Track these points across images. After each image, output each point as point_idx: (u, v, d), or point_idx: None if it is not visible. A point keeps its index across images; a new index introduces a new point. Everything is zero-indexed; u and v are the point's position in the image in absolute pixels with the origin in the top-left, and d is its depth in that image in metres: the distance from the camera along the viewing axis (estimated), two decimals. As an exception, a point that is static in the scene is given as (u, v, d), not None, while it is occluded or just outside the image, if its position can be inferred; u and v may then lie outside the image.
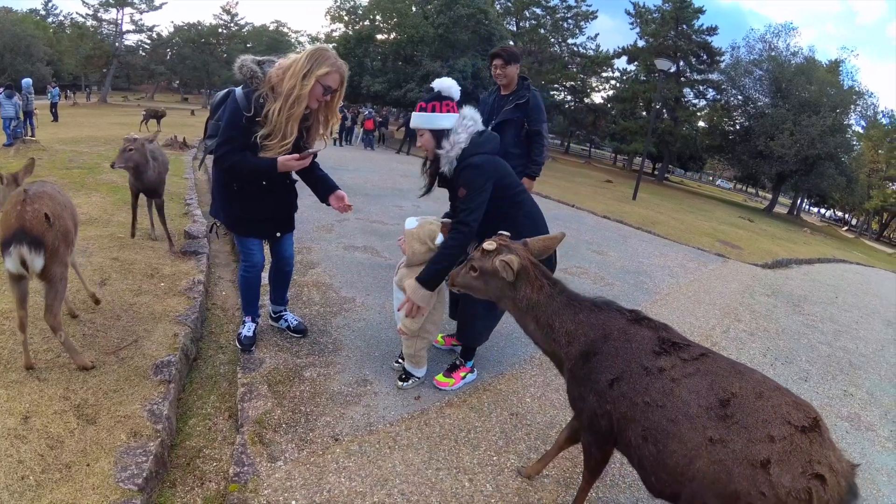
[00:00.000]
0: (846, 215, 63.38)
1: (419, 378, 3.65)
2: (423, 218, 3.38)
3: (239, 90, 3.14)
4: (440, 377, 3.69)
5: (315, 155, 3.33)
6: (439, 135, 3.20)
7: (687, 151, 44.04)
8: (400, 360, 3.75)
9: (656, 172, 46.55)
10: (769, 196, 48.28)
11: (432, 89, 3.26)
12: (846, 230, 50.63)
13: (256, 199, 3.36)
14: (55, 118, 24.70)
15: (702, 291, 7.51)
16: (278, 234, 3.61)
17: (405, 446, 3.03)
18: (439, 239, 3.20)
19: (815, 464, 1.69)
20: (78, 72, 55.44)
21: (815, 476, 1.67)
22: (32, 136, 14.70)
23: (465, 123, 3.20)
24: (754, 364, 5.11)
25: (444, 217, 3.55)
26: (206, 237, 5.47)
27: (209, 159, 3.44)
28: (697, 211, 22.90)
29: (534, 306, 2.38)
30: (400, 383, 3.59)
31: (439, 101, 3.20)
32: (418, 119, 3.25)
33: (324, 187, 3.54)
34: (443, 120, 3.18)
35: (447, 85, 3.24)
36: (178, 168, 10.96)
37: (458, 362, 3.79)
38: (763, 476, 1.69)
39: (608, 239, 10.34)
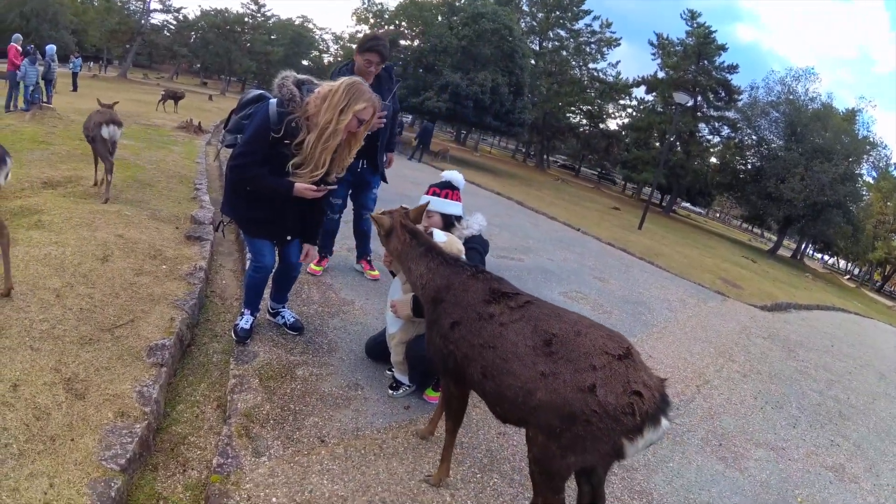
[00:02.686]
0: (849, 264, 63.33)
1: (409, 387, 3.66)
2: (449, 236, 3.45)
3: (273, 105, 3.16)
4: (429, 391, 3.71)
5: (330, 192, 3.43)
6: (447, 218, 3.71)
7: (697, 186, 43.87)
8: (391, 370, 3.76)
9: (664, 204, 46.50)
10: (774, 238, 48.23)
11: (442, 179, 3.84)
12: (848, 279, 50.52)
13: (269, 201, 3.38)
14: (75, 88, 24.79)
15: (699, 328, 7.51)
16: (289, 238, 3.62)
17: (390, 454, 3.02)
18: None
19: (633, 383, 2.05)
20: (101, 44, 55.45)
21: (634, 393, 2.03)
22: (48, 103, 14.71)
23: (478, 219, 3.78)
24: (744, 405, 5.15)
25: None
26: (213, 232, 5.44)
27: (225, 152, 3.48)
28: (702, 246, 22.84)
29: (399, 255, 2.94)
30: (391, 392, 3.60)
31: (451, 190, 3.76)
32: (434, 203, 3.69)
33: (309, 228, 3.67)
34: (452, 207, 3.74)
35: (457, 178, 3.86)
36: (190, 151, 11.00)
37: None
38: (592, 398, 2.03)
39: (610, 267, 10.36)
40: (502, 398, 2.30)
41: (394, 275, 3.66)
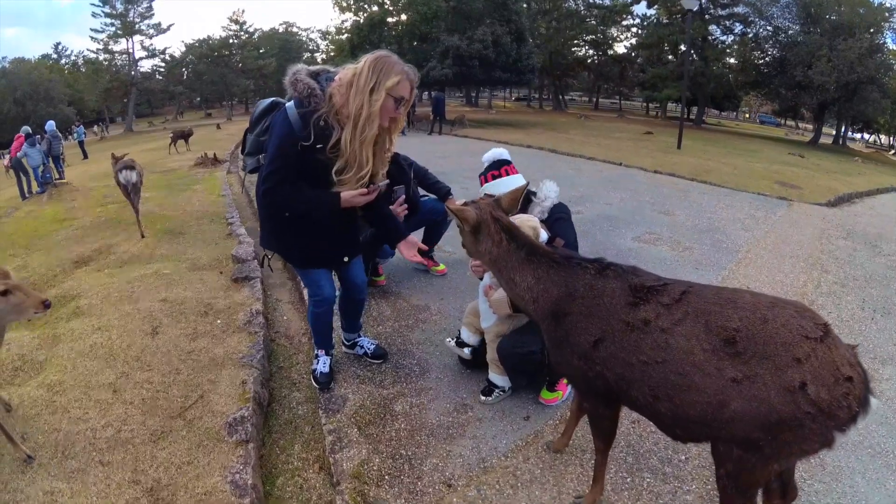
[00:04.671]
0: (891, 139, 60.20)
1: (504, 390, 3.21)
2: (515, 217, 2.89)
3: (292, 108, 2.58)
4: (545, 393, 3.25)
5: (384, 189, 2.86)
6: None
7: (721, 91, 42.23)
8: (451, 339, 3.49)
9: (692, 117, 44.80)
10: (809, 127, 46.22)
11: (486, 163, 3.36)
12: (893, 154, 47.80)
13: (315, 225, 2.84)
14: (85, 156, 24.86)
15: (780, 243, 7.05)
16: (346, 259, 3.08)
17: (528, 482, 2.58)
18: (544, 235, 2.83)
19: (842, 367, 1.68)
20: (100, 106, 56.16)
21: (846, 379, 1.67)
22: (61, 178, 14.60)
23: (552, 186, 3.31)
24: (855, 319, 4.72)
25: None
26: (260, 269, 5.00)
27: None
28: (745, 152, 21.88)
29: (495, 260, 2.34)
30: (483, 398, 3.19)
31: (507, 166, 3.28)
32: (501, 185, 3.17)
33: (391, 230, 3.05)
34: (518, 180, 3.22)
35: (501, 151, 3.38)
36: (213, 186, 10.67)
37: None
38: (804, 398, 1.65)
39: (668, 196, 9.80)
40: (683, 418, 1.87)
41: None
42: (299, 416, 3.17)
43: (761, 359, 1.71)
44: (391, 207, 4.07)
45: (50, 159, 14.48)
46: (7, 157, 16.59)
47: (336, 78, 2.60)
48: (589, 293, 2.09)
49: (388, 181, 2.87)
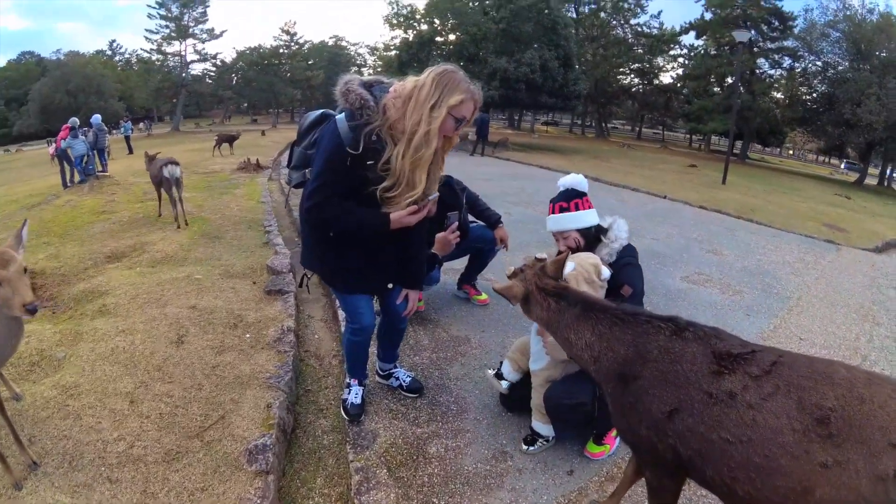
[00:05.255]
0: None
1: (548, 440, 2.95)
2: (574, 256, 2.66)
3: (342, 120, 2.37)
4: (591, 446, 2.96)
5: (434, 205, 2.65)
6: (586, 232, 3.01)
7: (767, 126, 41.44)
8: (492, 370, 3.23)
9: (736, 151, 44.03)
10: (854, 166, 45.02)
11: (560, 189, 3.15)
12: (938, 198, 46.28)
13: (361, 245, 2.62)
14: (130, 150, 25.29)
15: (831, 291, 6.70)
16: (390, 287, 2.85)
17: (572, 546, 2.29)
18: (606, 273, 2.61)
19: None
20: (149, 104, 57.50)
21: None
22: (104, 171, 14.78)
23: (622, 225, 3.07)
24: None
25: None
26: (296, 288, 4.80)
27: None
28: (790, 190, 21.44)
29: (548, 324, 2.25)
30: (525, 447, 2.92)
31: (580, 199, 3.04)
32: (563, 221, 3.03)
33: (409, 272, 2.88)
34: (589, 216, 3.02)
35: (578, 180, 3.14)
36: (253, 192, 10.62)
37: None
38: (894, 485, 1.49)
39: (715, 234, 9.46)
40: (762, 502, 1.66)
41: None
42: (324, 447, 2.95)
43: (855, 443, 1.54)
44: (443, 234, 3.87)
45: (95, 152, 14.66)
46: (53, 145, 16.92)
47: (391, 90, 2.39)
48: (664, 356, 1.88)
49: (437, 194, 2.63)
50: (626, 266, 2.87)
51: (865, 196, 26.01)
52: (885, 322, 5.72)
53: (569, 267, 2.47)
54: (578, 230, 2.98)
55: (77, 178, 13.35)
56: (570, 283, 2.40)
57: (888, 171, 42.86)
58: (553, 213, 3.06)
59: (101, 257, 5.79)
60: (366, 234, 2.54)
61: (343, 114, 2.39)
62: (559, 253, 2.49)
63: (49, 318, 4.08)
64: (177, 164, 7.75)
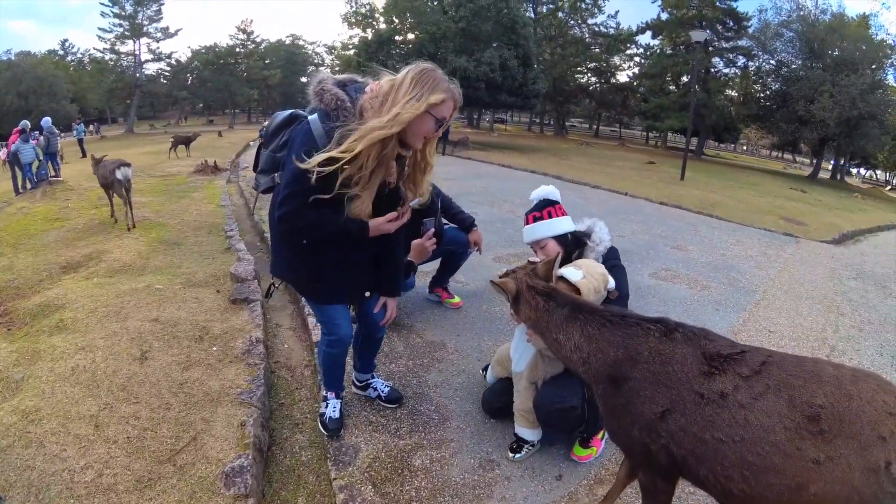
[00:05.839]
0: (888, 174, 60.61)
1: (533, 445, 2.90)
2: (582, 263, 2.63)
3: (316, 122, 2.23)
4: (578, 450, 2.93)
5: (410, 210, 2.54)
6: (562, 239, 2.99)
7: (722, 123, 42.45)
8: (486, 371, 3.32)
9: (692, 148, 44.97)
10: (806, 161, 46.39)
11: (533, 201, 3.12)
12: (889, 190, 47.94)
13: (337, 253, 2.48)
14: (83, 154, 24.44)
15: (795, 283, 6.92)
16: (367, 295, 2.73)
17: (565, 556, 2.24)
18: (612, 283, 2.58)
19: None
20: (102, 105, 55.85)
21: None
22: (57, 176, 14.23)
23: (602, 227, 3.06)
24: (875, 367, 4.53)
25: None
26: (262, 298, 4.59)
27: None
28: (747, 185, 21.99)
29: (535, 324, 2.24)
30: (511, 455, 2.87)
31: (552, 207, 3.03)
32: (538, 230, 3.00)
33: (386, 276, 2.76)
34: (563, 224, 3.01)
35: (549, 190, 3.14)
36: (212, 195, 10.34)
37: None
38: (887, 478, 1.55)
39: (678, 230, 9.65)
40: (760, 499, 1.69)
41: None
42: (303, 464, 2.83)
43: (846, 438, 1.60)
44: (420, 241, 3.78)
45: (47, 156, 14.11)
46: (4, 150, 16.22)
47: (367, 89, 2.25)
48: (655, 358, 1.89)
49: (418, 199, 2.53)
50: (612, 269, 2.80)
51: (820, 190, 26.85)
52: (849, 312, 5.90)
53: (577, 275, 2.41)
54: (554, 238, 2.96)
55: (28, 184, 12.83)
56: (582, 291, 2.36)
57: (841, 165, 44.37)
58: (528, 223, 3.05)
59: (57, 268, 5.52)
60: (342, 242, 2.41)
61: (316, 114, 2.25)
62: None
63: (4, 336, 3.85)
64: (128, 165, 7.68)
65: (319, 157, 2.11)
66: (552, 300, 2.17)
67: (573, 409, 2.65)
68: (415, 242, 3.81)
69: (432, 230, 3.91)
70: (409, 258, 3.82)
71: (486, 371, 3.35)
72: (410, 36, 34.74)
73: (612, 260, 2.90)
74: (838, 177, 43.39)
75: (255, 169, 2.62)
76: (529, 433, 2.86)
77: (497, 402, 3.10)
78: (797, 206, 16.14)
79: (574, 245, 2.97)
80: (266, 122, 2.65)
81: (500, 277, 2.34)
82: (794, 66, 37.01)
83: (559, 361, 2.69)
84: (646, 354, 1.90)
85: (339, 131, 2.17)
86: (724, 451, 1.71)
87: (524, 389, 2.84)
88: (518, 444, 2.88)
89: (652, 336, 1.94)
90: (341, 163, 2.11)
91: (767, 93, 40.16)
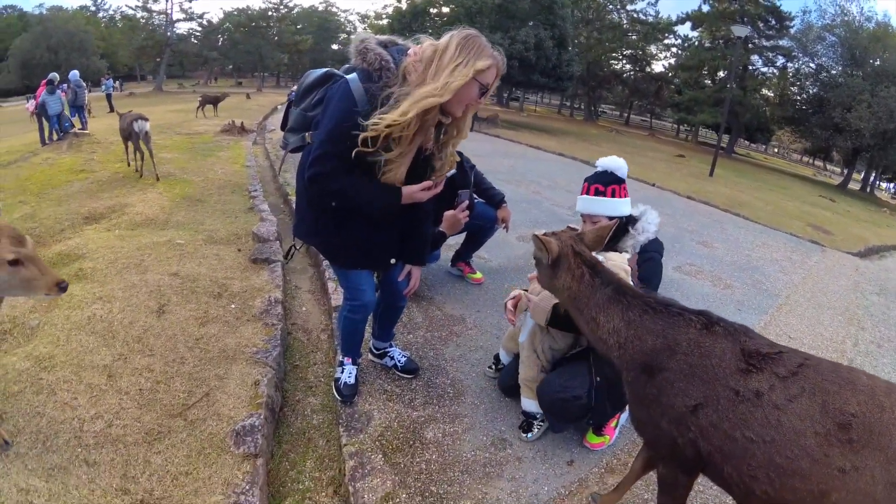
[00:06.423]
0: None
1: (544, 422, 2.84)
2: (609, 257, 2.57)
3: (356, 81, 2.15)
4: (591, 437, 2.86)
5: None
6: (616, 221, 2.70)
7: (755, 122, 41.56)
8: (491, 367, 3.26)
9: (723, 145, 44.22)
10: (837, 170, 45.40)
11: (598, 169, 2.90)
12: (920, 208, 46.96)
13: (366, 220, 2.41)
14: (111, 108, 24.60)
15: (818, 292, 6.74)
16: (393, 262, 2.66)
17: (573, 541, 2.19)
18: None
19: None
20: (132, 62, 56.04)
21: None
22: (84, 128, 14.29)
23: (653, 217, 2.95)
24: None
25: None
26: (282, 259, 4.57)
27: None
28: (776, 188, 21.58)
29: (575, 297, 2.09)
30: (523, 434, 2.81)
31: (617, 185, 2.83)
32: (597, 205, 2.82)
33: (413, 248, 2.69)
34: (624, 206, 2.84)
35: (619, 164, 2.88)
36: (238, 155, 10.32)
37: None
38: None
39: (705, 226, 9.47)
40: (780, 502, 1.66)
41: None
42: (313, 427, 2.80)
43: (874, 450, 1.56)
44: (453, 212, 3.72)
45: (74, 109, 14.18)
46: (32, 101, 16.36)
47: (410, 52, 2.17)
48: (694, 350, 1.83)
49: (454, 171, 2.46)
50: (647, 261, 2.79)
51: (849, 200, 26.24)
52: (869, 327, 5.76)
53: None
54: (609, 218, 2.78)
55: (55, 136, 12.92)
56: None
57: (872, 178, 43.42)
58: (587, 193, 2.86)
59: (79, 218, 5.54)
60: (374, 208, 2.34)
61: (356, 74, 2.17)
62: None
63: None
64: (146, 119, 7.99)
65: (386, 119, 2.05)
66: (598, 276, 2.07)
67: (577, 399, 2.57)
68: (448, 213, 3.75)
69: (466, 202, 3.84)
70: (441, 229, 3.76)
71: (492, 368, 3.29)
72: (445, 9, 34.15)
73: (651, 252, 2.81)
74: (868, 189, 42.49)
75: (283, 127, 2.55)
76: (533, 404, 2.79)
77: (512, 380, 3.02)
78: (825, 215, 15.81)
79: (619, 229, 2.83)
80: (294, 87, 2.57)
81: (540, 237, 2.17)
82: (833, 72, 35.98)
83: (554, 334, 2.70)
84: (685, 346, 1.84)
85: (383, 94, 2.09)
86: (753, 450, 1.67)
87: (526, 359, 2.79)
88: (527, 421, 2.83)
89: (693, 327, 1.88)
90: (394, 127, 2.05)
91: (804, 96, 39.15)
